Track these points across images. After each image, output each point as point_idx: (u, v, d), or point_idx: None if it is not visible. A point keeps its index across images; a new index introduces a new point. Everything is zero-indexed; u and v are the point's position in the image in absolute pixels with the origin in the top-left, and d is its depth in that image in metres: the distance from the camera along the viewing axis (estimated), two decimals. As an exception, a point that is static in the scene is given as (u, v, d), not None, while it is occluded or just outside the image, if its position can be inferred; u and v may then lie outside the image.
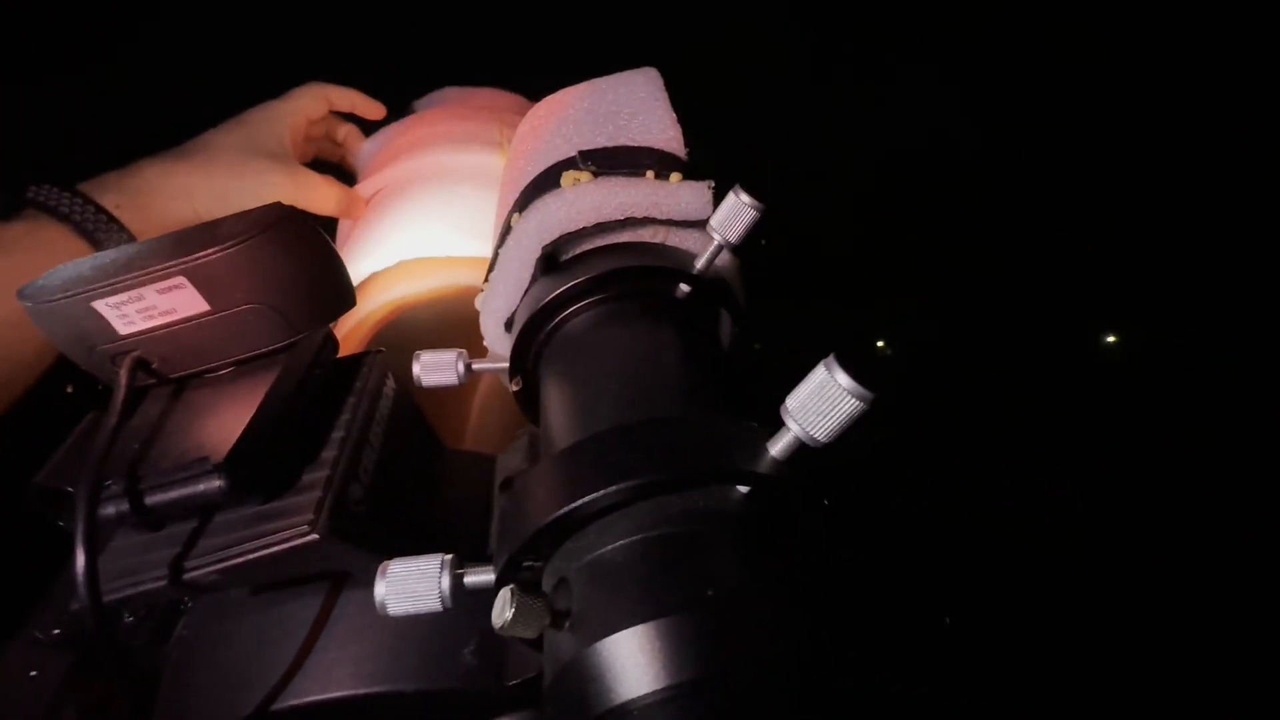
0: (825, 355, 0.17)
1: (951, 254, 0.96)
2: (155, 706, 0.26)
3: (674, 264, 0.26)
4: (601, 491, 0.17)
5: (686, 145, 0.29)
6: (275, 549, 0.22)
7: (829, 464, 0.18)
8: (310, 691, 0.24)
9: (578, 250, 0.27)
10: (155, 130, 0.46)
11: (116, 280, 0.23)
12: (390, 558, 0.20)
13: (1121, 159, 0.98)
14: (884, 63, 1.03)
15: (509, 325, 0.29)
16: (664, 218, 0.26)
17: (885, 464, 0.77)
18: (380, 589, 0.19)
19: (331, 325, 0.46)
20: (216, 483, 0.22)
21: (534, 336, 0.27)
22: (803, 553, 0.18)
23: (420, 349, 0.28)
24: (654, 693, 0.15)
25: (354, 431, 0.26)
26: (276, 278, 0.24)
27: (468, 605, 0.20)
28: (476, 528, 0.30)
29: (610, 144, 0.28)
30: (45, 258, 0.38)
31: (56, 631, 0.28)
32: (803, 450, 0.18)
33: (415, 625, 0.25)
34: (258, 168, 0.45)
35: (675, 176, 0.27)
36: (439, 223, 0.44)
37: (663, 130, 0.29)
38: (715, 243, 0.25)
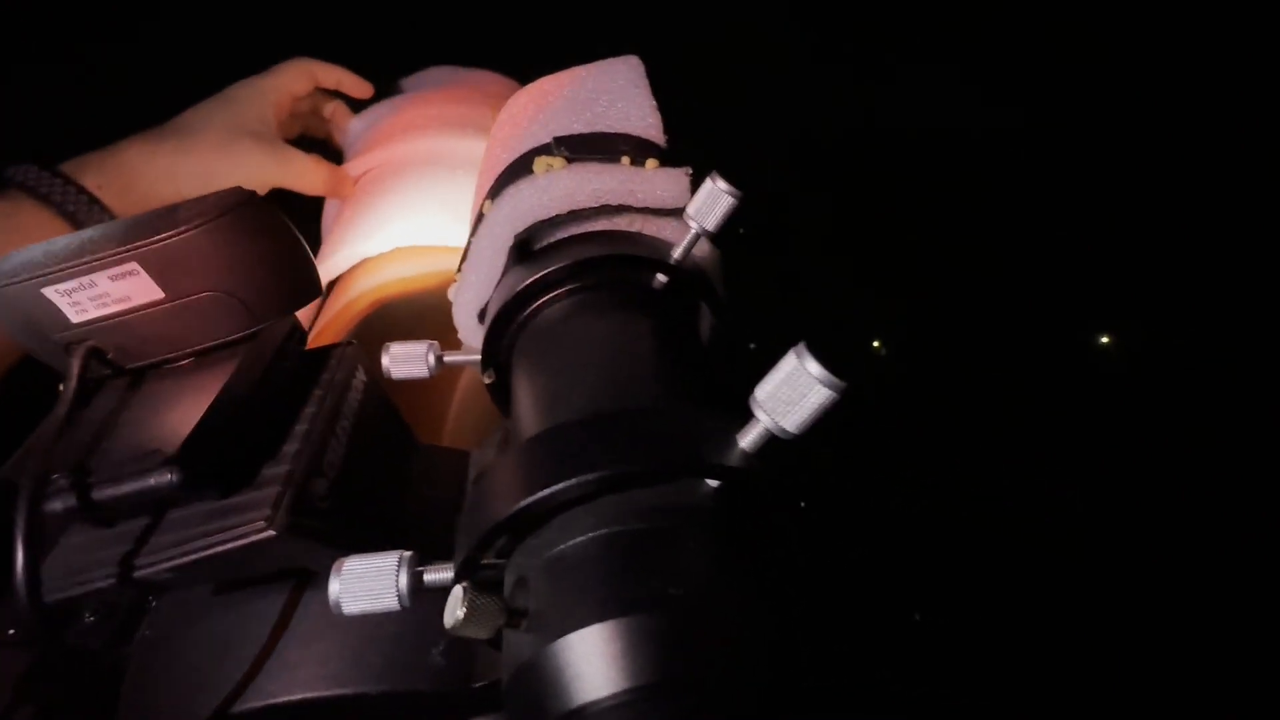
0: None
1: (946, 252, 0.96)
2: (117, 708, 0.25)
3: (650, 253, 0.25)
4: (562, 485, 0.16)
5: (667, 134, 0.29)
6: (230, 546, 0.21)
7: (809, 458, 0.17)
8: (272, 693, 0.23)
9: (551, 239, 0.27)
10: (136, 107, 0.45)
11: (67, 266, 0.22)
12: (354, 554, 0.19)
13: (1121, 157, 0.98)
14: (882, 59, 1.03)
15: (482, 316, 0.28)
16: (640, 205, 0.26)
17: (880, 462, 0.77)
18: (334, 587, 0.18)
19: (315, 311, 0.46)
20: (169, 477, 0.21)
21: (506, 327, 0.26)
22: (774, 550, 0.17)
23: (413, 339, 0.27)
24: (613, 695, 0.14)
25: (319, 425, 0.25)
26: (236, 264, 0.23)
27: (436, 604, 0.19)
28: (448, 525, 0.29)
29: (587, 130, 0.28)
30: (24, 240, 0.37)
31: (11, 631, 0.27)
32: (773, 442, 0.17)
33: (382, 625, 0.24)
34: (242, 146, 0.44)
35: (651, 163, 0.26)
36: (439, 210, 0.44)
37: (641, 117, 0.29)
38: (693, 231, 0.25)
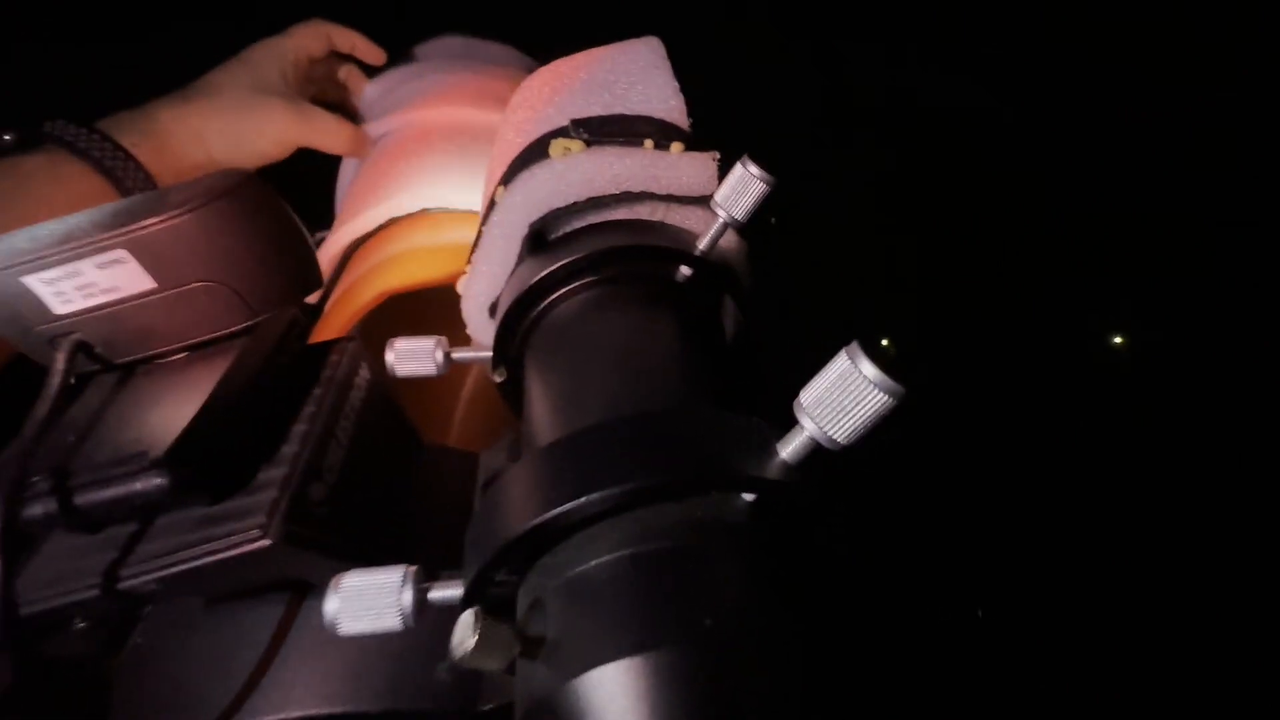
0: (834, 349, 0.14)
1: (960, 252, 0.94)
2: (108, 718, 0.23)
3: (674, 244, 0.23)
4: (584, 499, 0.15)
5: (690, 117, 0.27)
6: (222, 555, 0.20)
7: (849, 470, 0.15)
8: (267, 711, 0.22)
9: (568, 228, 0.25)
10: (156, 71, 0.46)
11: (50, 252, 0.20)
12: (356, 565, 0.18)
13: (1134, 158, 0.95)
14: (913, 45, 1.00)
15: (493, 311, 0.27)
16: (663, 192, 0.24)
17: (897, 469, 0.75)
18: (332, 605, 0.17)
19: (326, 290, 0.45)
20: (156, 481, 0.19)
21: (519, 322, 0.24)
22: (816, 574, 0.16)
23: (436, 328, 0.26)
24: (639, 742, 0.12)
25: (319, 425, 0.23)
26: (231, 252, 0.21)
27: (440, 619, 0.18)
28: (456, 533, 0.27)
29: (606, 112, 0.26)
30: (63, 192, 0.38)
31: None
32: (818, 453, 0.15)
33: (384, 641, 0.23)
34: (267, 105, 0.45)
35: (676, 147, 0.24)
36: (465, 176, 0.43)
37: (664, 100, 0.27)
38: (720, 220, 0.23)
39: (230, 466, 0.21)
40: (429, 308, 0.40)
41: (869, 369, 0.14)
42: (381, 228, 0.43)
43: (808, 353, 0.17)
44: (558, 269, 0.23)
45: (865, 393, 0.14)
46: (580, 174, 0.23)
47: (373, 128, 0.50)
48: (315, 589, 0.23)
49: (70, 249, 0.20)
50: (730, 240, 0.25)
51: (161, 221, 0.20)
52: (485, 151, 0.45)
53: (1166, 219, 0.92)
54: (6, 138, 0.38)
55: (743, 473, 0.15)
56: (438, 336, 0.26)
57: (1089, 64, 0.98)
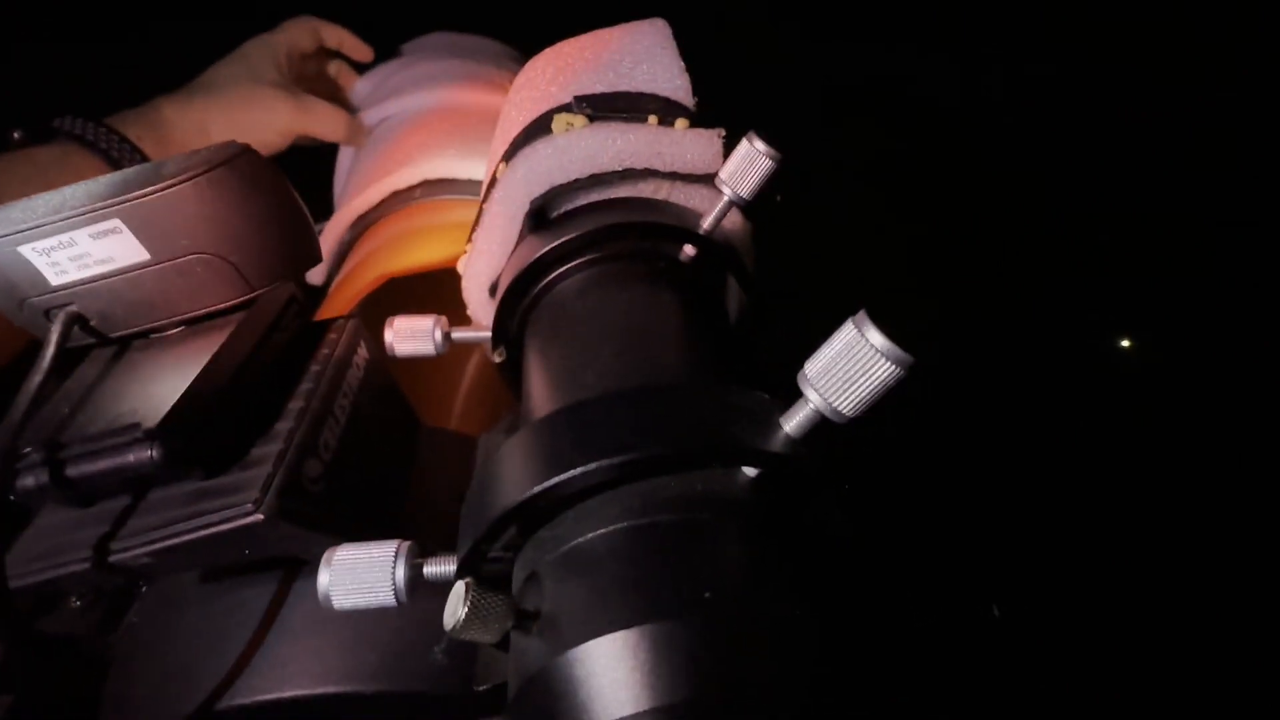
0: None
1: (968, 252, 0.93)
2: (101, 698, 0.23)
3: (677, 221, 0.23)
4: (581, 469, 0.14)
5: (696, 97, 0.26)
6: (215, 529, 0.19)
7: (854, 445, 0.15)
8: (260, 690, 0.22)
9: (570, 205, 0.25)
10: (151, 72, 0.47)
11: (45, 222, 0.20)
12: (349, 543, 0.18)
13: (1134, 158, 0.94)
14: (922, 30, 1.00)
15: (494, 290, 0.26)
16: (667, 169, 0.23)
17: (904, 469, 0.74)
18: (324, 579, 0.17)
19: (331, 269, 0.45)
20: (148, 453, 0.19)
21: (519, 301, 0.24)
22: (820, 549, 0.15)
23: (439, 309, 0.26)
24: (636, 715, 0.12)
25: (315, 403, 0.23)
26: (226, 223, 0.21)
27: (438, 599, 0.17)
28: (453, 516, 0.27)
29: (610, 90, 0.25)
30: (75, 182, 0.39)
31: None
32: (822, 426, 0.15)
33: (379, 621, 0.22)
34: (266, 96, 0.46)
35: (681, 123, 0.24)
36: (462, 147, 0.45)
37: (669, 79, 0.26)
38: (725, 198, 0.22)
39: (224, 440, 0.21)
40: (433, 291, 0.40)
41: (877, 338, 0.13)
42: (385, 201, 0.44)
43: (812, 335, 0.17)
44: (558, 246, 0.23)
45: (873, 363, 0.13)
46: (582, 149, 0.23)
47: (368, 115, 0.51)
48: (308, 567, 0.23)
49: (64, 218, 0.20)
50: (735, 219, 0.25)
51: (156, 191, 0.20)
52: (480, 126, 0.46)
53: (1166, 219, 0.92)
54: (16, 135, 0.39)
55: (744, 445, 0.15)
56: (437, 316, 0.25)
57: (1089, 64, 0.97)
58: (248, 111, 0.46)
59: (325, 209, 0.53)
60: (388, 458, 0.26)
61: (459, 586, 0.14)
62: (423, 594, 0.17)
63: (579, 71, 0.27)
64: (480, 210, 0.26)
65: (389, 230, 0.44)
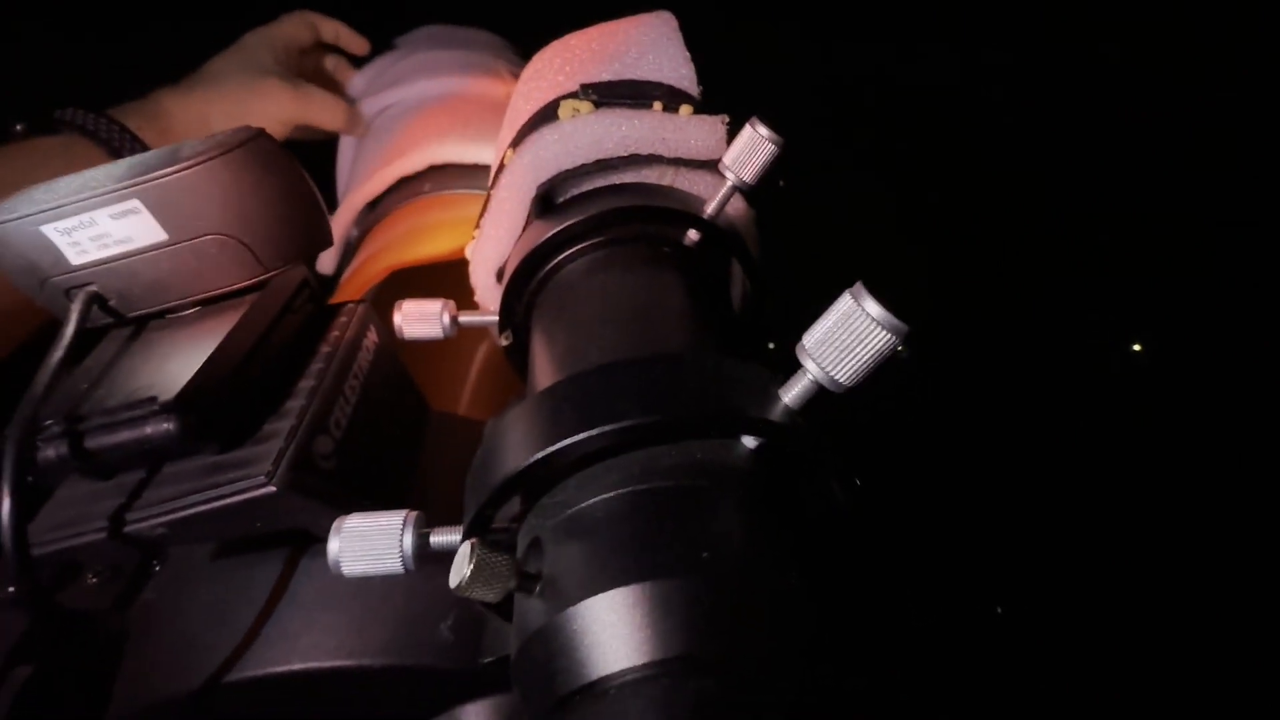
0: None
1: (967, 252, 0.93)
2: (118, 672, 0.24)
3: (682, 206, 0.23)
4: (583, 434, 0.15)
5: (702, 86, 0.27)
6: (228, 501, 0.20)
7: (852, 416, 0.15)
8: (269, 662, 0.22)
9: (576, 191, 0.25)
10: (148, 69, 0.48)
11: (67, 202, 0.21)
12: None
13: (1134, 158, 0.94)
14: (926, 23, 0.99)
15: (501, 276, 0.27)
16: (671, 155, 0.24)
17: (911, 471, 0.74)
18: (334, 545, 0.17)
19: (341, 258, 0.46)
20: (165, 425, 0.19)
21: (525, 284, 0.24)
22: (816, 517, 0.16)
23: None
24: (634, 669, 0.12)
25: (326, 382, 0.23)
26: (240, 205, 0.22)
27: (445, 575, 0.18)
28: (460, 497, 0.27)
29: (616, 78, 0.26)
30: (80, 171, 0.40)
31: (11, 589, 0.26)
32: (821, 396, 0.15)
33: (388, 597, 0.23)
34: (266, 86, 0.47)
35: (685, 109, 0.24)
36: (467, 132, 0.45)
37: (675, 68, 0.27)
38: (728, 184, 0.23)
39: (238, 415, 0.21)
40: (442, 283, 0.40)
41: (873, 308, 0.14)
42: (393, 189, 0.44)
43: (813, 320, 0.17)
44: (564, 230, 0.23)
45: (869, 332, 0.14)
46: (588, 135, 0.23)
47: (366, 105, 0.52)
48: (318, 544, 0.23)
49: (85, 198, 0.21)
50: (739, 205, 0.25)
51: (174, 172, 0.21)
52: (483, 112, 0.46)
53: (1166, 219, 0.91)
54: (19, 127, 0.40)
55: (743, 414, 0.15)
56: (445, 300, 0.26)
57: (1089, 64, 0.97)
58: (248, 102, 0.46)
59: (328, 200, 0.53)
60: (397, 439, 0.27)
61: (464, 547, 0.14)
62: (430, 570, 0.18)
63: (586, 61, 0.28)
64: (488, 196, 0.26)
65: (399, 225, 0.45)
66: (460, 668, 0.22)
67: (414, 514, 0.18)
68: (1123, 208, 0.94)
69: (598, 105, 0.24)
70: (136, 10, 0.77)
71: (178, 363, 0.21)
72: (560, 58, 0.30)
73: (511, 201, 0.25)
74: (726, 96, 0.29)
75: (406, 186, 0.45)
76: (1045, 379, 0.85)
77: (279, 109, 0.47)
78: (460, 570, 0.14)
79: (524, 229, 0.25)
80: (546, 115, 0.25)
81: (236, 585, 0.24)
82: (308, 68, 0.54)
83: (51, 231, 0.21)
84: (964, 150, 0.96)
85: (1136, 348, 0.91)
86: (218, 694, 0.22)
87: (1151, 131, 0.94)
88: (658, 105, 0.24)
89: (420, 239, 0.42)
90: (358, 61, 0.57)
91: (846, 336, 0.14)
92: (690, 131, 0.24)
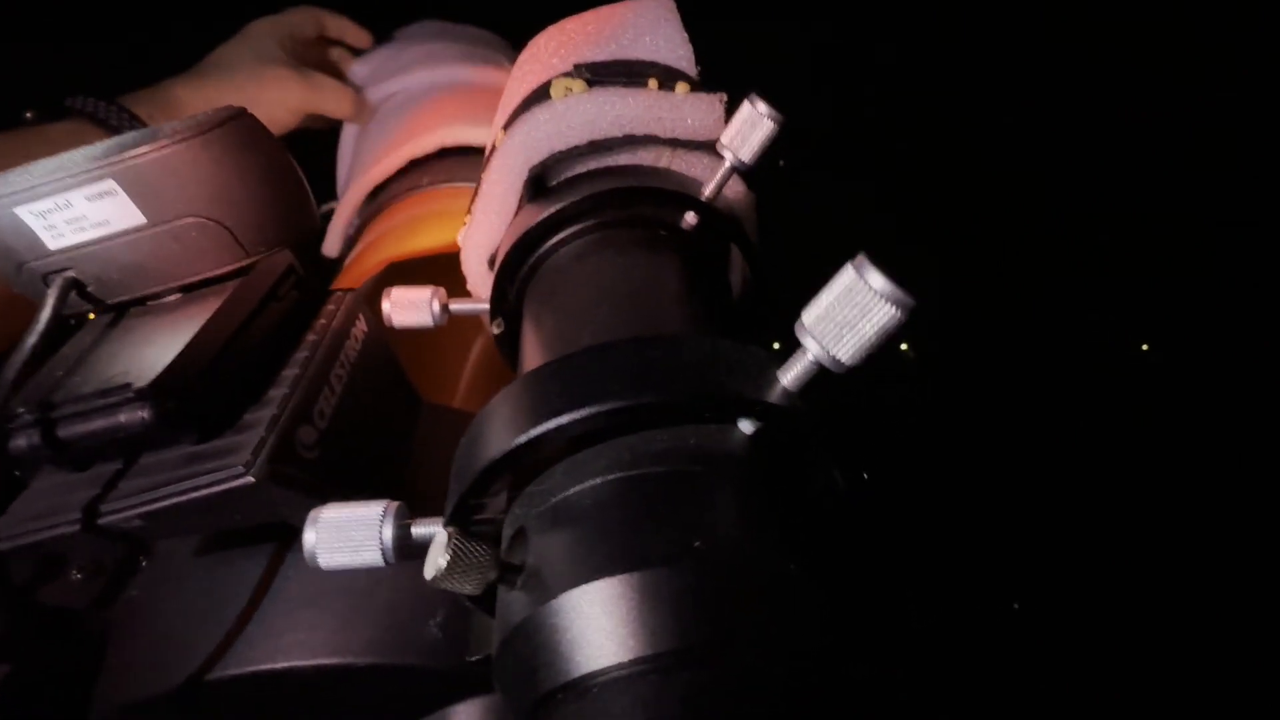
0: None
1: (968, 251, 0.91)
2: (100, 669, 0.23)
3: (678, 188, 0.22)
4: (569, 417, 0.14)
5: (700, 67, 0.26)
6: (205, 492, 0.19)
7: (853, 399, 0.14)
8: (253, 660, 0.21)
9: (569, 173, 0.24)
10: (150, 65, 0.47)
11: (41, 183, 0.20)
12: None
13: (1134, 158, 0.93)
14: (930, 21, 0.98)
15: (493, 262, 0.26)
16: (667, 135, 0.23)
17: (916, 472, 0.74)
18: (310, 536, 0.16)
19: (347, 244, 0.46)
20: (139, 413, 0.19)
21: (516, 269, 0.23)
22: (815, 504, 0.15)
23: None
24: (621, 665, 0.12)
25: (311, 371, 0.23)
26: (221, 187, 0.21)
27: None
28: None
29: (611, 58, 0.25)
30: None
31: (-9, 586, 0.25)
32: (821, 377, 0.14)
33: (374, 594, 0.22)
34: (275, 73, 0.47)
35: (682, 87, 0.23)
36: (480, 118, 0.45)
37: (672, 49, 0.26)
38: (727, 164, 0.22)
39: (217, 404, 0.20)
40: (440, 276, 0.39)
41: (877, 280, 0.13)
42: (402, 172, 0.44)
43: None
44: (556, 213, 0.22)
45: (872, 305, 0.13)
46: (581, 115, 0.23)
47: (371, 93, 0.52)
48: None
49: (60, 178, 0.20)
50: (738, 188, 0.24)
51: (150, 152, 0.20)
52: (490, 99, 0.46)
53: (1167, 219, 0.90)
54: (28, 115, 0.40)
55: (738, 396, 0.14)
56: (435, 287, 0.25)
57: (1089, 64, 0.95)
58: (259, 90, 0.46)
59: (323, 194, 0.53)
60: (386, 431, 0.26)
61: (440, 535, 0.13)
62: (417, 567, 0.17)
63: (581, 43, 0.27)
64: (479, 180, 0.26)
65: (402, 214, 0.44)
66: (449, 667, 0.21)
67: (395, 504, 0.17)
68: (1123, 208, 0.93)
69: (591, 84, 0.23)
70: (142, 5, 0.77)
71: (156, 350, 0.21)
72: (555, 41, 0.29)
73: (503, 185, 0.24)
74: (725, 83, 0.28)
75: (407, 178, 0.45)
76: (1045, 379, 0.84)
77: (290, 97, 0.47)
78: (435, 560, 0.13)
79: (516, 213, 0.24)
80: (539, 95, 0.24)
81: (221, 581, 0.23)
82: (311, 58, 0.54)
83: (26, 214, 0.21)
84: (964, 150, 0.95)
85: (1144, 348, 0.89)
86: (201, 693, 0.21)
87: (1151, 131, 0.93)
88: (653, 83, 0.23)
89: (419, 230, 0.41)
90: (358, 54, 0.57)
91: (849, 311, 0.13)
92: (687, 110, 0.23)
